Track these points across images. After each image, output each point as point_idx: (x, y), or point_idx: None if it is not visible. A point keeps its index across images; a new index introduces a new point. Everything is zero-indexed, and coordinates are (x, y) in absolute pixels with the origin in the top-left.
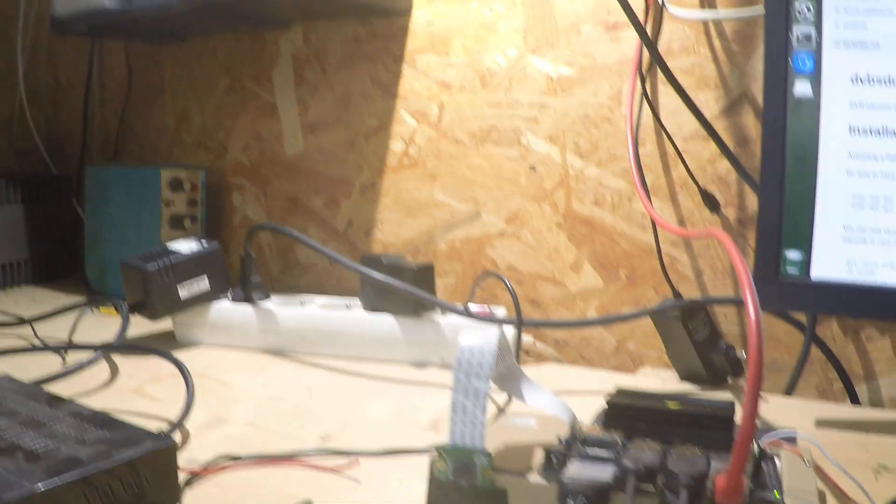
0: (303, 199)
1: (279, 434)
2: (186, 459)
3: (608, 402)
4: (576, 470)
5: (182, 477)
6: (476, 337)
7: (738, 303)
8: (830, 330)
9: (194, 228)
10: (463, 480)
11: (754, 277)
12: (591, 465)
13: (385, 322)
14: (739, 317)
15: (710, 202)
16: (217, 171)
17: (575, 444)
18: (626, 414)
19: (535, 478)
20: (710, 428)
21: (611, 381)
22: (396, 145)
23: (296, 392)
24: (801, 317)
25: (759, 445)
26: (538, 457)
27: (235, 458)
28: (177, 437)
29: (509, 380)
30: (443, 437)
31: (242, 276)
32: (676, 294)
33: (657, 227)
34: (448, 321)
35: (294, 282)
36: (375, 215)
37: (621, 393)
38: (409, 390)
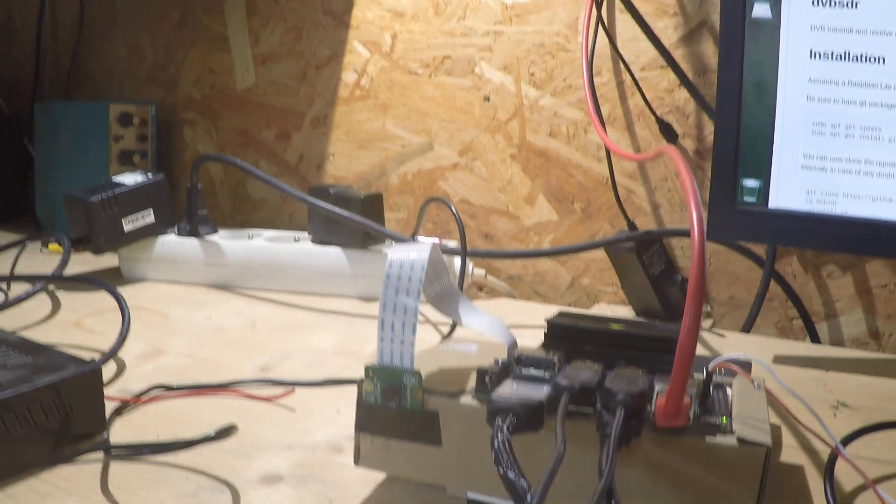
0: (254, 132)
1: (218, 365)
2: (119, 390)
3: (548, 322)
4: (507, 389)
5: (111, 406)
6: (406, 251)
7: (686, 233)
8: (791, 266)
9: (144, 164)
10: (392, 402)
11: (710, 207)
12: (524, 386)
13: (332, 254)
14: None
15: (668, 132)
16: (168, 106)
17: (511, 365)
18: (567, 335)
19: (466, 399)
20: (656, 350)
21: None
22: (348, 76)
23: (239, 324)
24: (761, 251)
25: (706, 370)
26: (472, 381)
27: (168, 388)
28: (110, 366)
29: (446, 300)
30: None
31: (188, 209)
32: (632, 226)
33: (612, 157)
34: None
35: (245, 218)
36: (327, 148)
37: (564, 315)
38: (354, 322)
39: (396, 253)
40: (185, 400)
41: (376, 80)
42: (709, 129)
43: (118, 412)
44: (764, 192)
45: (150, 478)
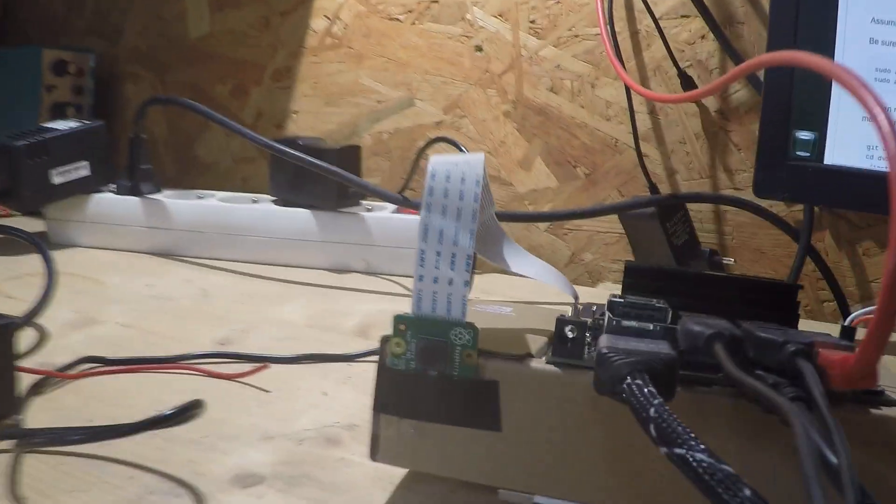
0: (206, 87)
1: (165, 337)
2: (40, 363)
3: (628, 267)
4: (606, 345)
5: (30, 380)
6: (453, 159)
7: (729, 201)
8: (822, 242)
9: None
10: (432, 368)
11: (758, 160)
12: (628, 342)
13: (299, 216)
14: (717, 223)
15: (689, 87)
16: (110, 59)
17: (595, 318)
18: (654, 283)
19: (540, 364)
20: (768, 305)
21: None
22: (318, 23)
23: (188, 294)
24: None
25: (844, 326)
26: (536, 343)
27: (103, 362)
28: (29, 335)
29: (489, 239)
30: (373, 346)
31: (130, 163)
32: (654, 189)
33: (634, 108)
34: (375, 217)
35: (192, 183)
36: (289, 104)
37: (636, 266)
38: (328, 294)
39: (442, 161)
40: (124, 377)
41: (350, 27)
42: (734, 86)
43: (37, 389)
44: (819, 147)
45: (79, 476)
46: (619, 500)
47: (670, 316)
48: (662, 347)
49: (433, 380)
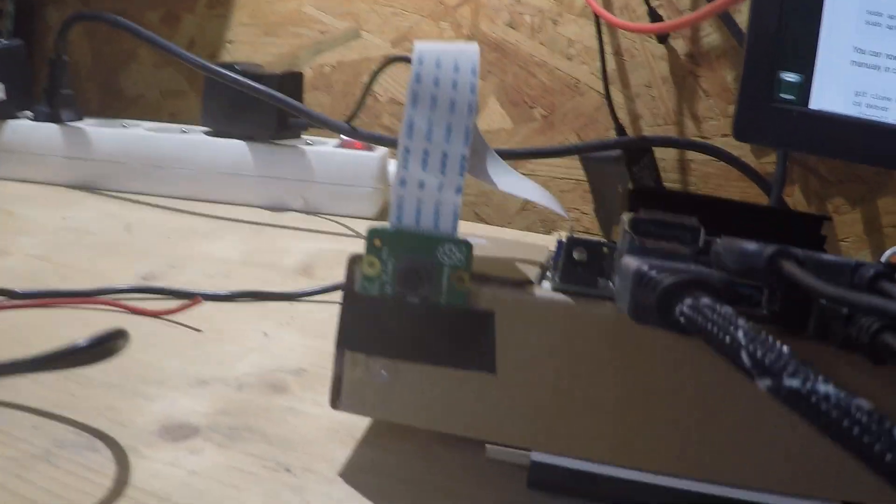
0: (135, 14)
1: (81, 271)
2: None
3: (637, 189)
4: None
5: None
6: (444, 47)
7: (702, 148)
8: (792, 197)
9: None
10: (413, 294)
11: (740, 102)
12: (653, 263)
13: (233, 148)
14: (682, 173)
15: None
16: None
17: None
18: (665, 208)
19: (546, 292)
20: (791, 236)
21: (525, 239)
22: None
23: (109, 228)
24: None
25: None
26: (531, 272)
27: (10, 294)
28: None
29: (472, 150)
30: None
31: (50, 88)
32: (621, 132)
33: (604, 46)
34: (316, 151)
35: (115, 117)
36: (224, 34)
37: (645, 189)
38: (263, 231)
39: (430, 46)
40: (33, 313)
41: None
42: (705, 29)
43: None
44: (805, 90)
45: None
46: (635, 459)
47: (702, 237)
48: (704, 270)
49: (414, 308)
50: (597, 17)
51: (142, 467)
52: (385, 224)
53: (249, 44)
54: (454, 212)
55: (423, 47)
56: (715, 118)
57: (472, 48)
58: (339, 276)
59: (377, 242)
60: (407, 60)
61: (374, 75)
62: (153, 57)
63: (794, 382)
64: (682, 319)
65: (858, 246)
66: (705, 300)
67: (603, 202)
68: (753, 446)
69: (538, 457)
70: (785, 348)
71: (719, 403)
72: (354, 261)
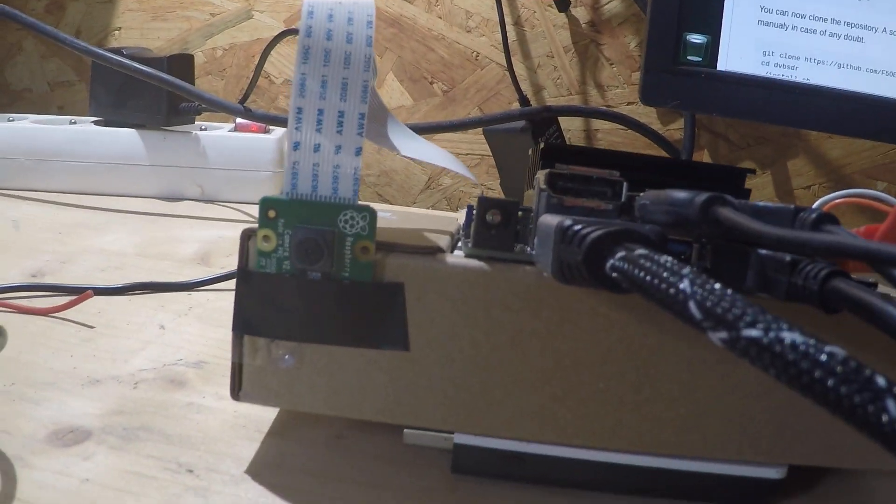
0: (17, 4)
1: None
2: None
3: (547, 146)
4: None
5: None
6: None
7: (607, 115)
8: (701, 161)
9: None
10: (314, 268)
11: (646, 65)
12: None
13: (124, 137)
14: (588, 141)
15: (560, 1)
16: None
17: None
18: (582, 161)
19: (458, 258)
20: (719, 189)
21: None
22: None
23: None
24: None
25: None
26: (441, 241)
27: None
28: None
29: (371, 114)
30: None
31: None
32: (525, 103)
33: (503, 14)
34: (210, 136)
35: (1, 112)
36: (112, 20)
37: (556, 147)
38: (158, 221)
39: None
40: None
41: None
42: None
43: None
44: (712, 51)
45: None
46: (567, 434)
47: (625, 191)
48: (623, 222)
49: (315, 284)
50: None
51: (28, 478)
52: (279, 193)
53: (138, 30)
54: (354, 176)
55: (314, 0)
56: (619, 86)
57: (368, 1)
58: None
59: (271, 213)
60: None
61: (265, 53)
62: (40, 48)
63: (753, 332)
64: (614, 274)
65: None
66: (640, 251)
67: (509, 175)
68: (693, 413)
69: (461, 439)
70: (738, 295)
71: (654, 369)
72: (248, 235)
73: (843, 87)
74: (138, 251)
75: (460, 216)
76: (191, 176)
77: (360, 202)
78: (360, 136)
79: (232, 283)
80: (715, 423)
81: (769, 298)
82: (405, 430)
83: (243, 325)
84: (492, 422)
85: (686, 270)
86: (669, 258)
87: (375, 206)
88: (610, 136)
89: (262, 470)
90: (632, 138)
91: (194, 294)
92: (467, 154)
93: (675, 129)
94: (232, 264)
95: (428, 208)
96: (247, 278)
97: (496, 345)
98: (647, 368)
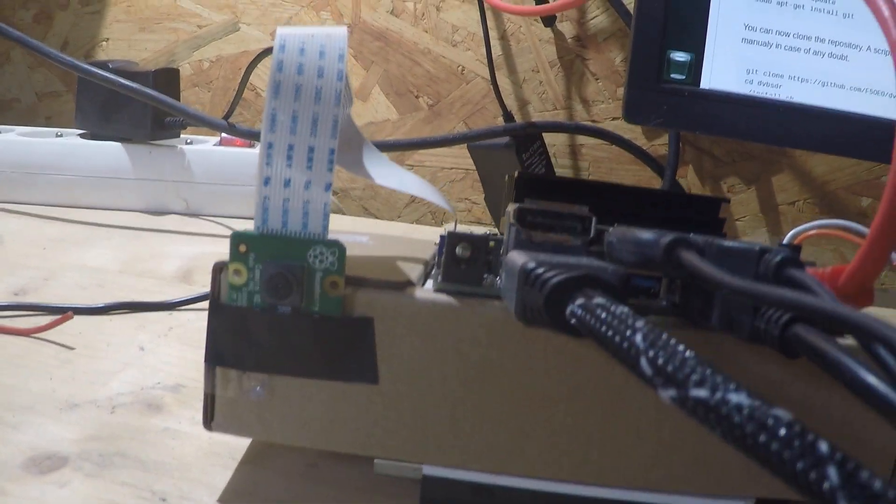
0: (5, 13)
1: None
2: None
3: (521, 175)
4: (521, 261)
5: None
6: (308, 31)
7: (591, 131)
8: (686, 179)
9: None
10: (284, 302)
11: (629, 83)
12: (554, 258)
13: (109, 150)
14: (573, 157)
15: (546, 17)
16: None
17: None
18: (550, 196)
19: (426, 293)
20: (689, 220)
21: (415, 233)
22: None
23: None
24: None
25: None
26: (413, 272)
27: None
28: None
29: (345, 142)
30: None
31: None
32: (509, 118)
33: (489, 32)
34: (196, 150)
35: None
36: (99, 31)
37: (529, 177)
38: (141, 237)
39: (293, 31)
40: None
41: None
42: (592, 11)
43: None
44: (696, 69)
45: None
46: (535, 467)
47: (594, 226)
48: (597, 263)
49: (285, 318)
50: (481, 2)
51: None
52: (250, 227)
53: (125, 41)
54: (324, 211)
55: (285, 32)
56: (604, 101)
57: (340, 32)
58: None
59: (242, 248)
60: None
61: (250, 69)
62: (27, 58)
63: (701, 392)
64: (572, 321)
65: (755, 225)
66: (598, 299)
67: (493, 191)
68: (660, 448)
69: (430, 470)
70: (689, 353)
71: (621, 405)
72: (220, 269)
73: (827, 106)
74: (121, 268)
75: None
76: (176, 190)
77: (343, 216)
78: (329, 171)
79: None
80: (682, 458)
81: (734, 338)
82: (375, 461)
83: (215, 356)
84: (460, 454)
85: (640, 324)
86: (626, 309)
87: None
88: (595, 151)
89: (234, 498)
90: (616, 154)
91: (175, 313)
92: (452, 168)
93: (659, 145)
94: None
95: (413, 222)
96: (218, 311)
97: (464, 379)
98: (614, 404)
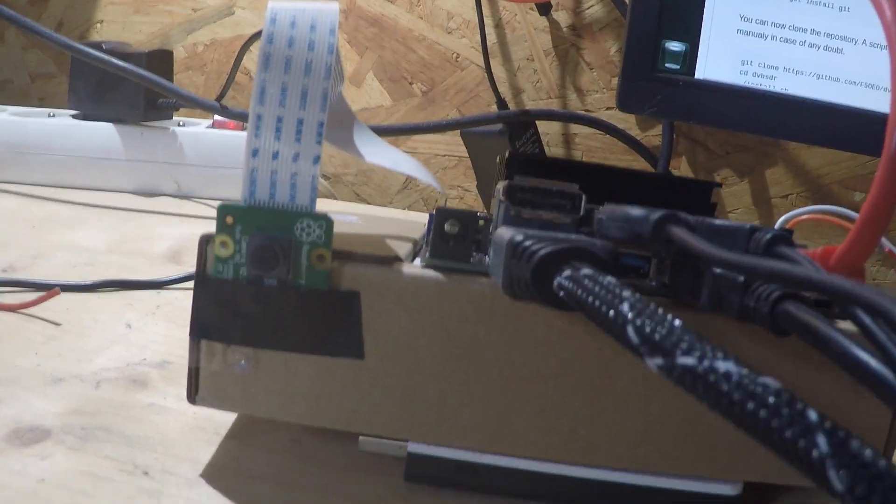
0: None
1: None
2: None
3: (511, 155)
4: (509, 236)
5: None
6: (299, 5)
7: (585, 120)
8: (678, 171)
9: None
10: (270, 275)
11: (623, 72)
12: (542, 234)
13: (101, 131)
14: (566, 146)
15: (541, 5)
16: None
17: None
18: (541, 171)
19: (414, 269)
20: (679, 203)
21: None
22: None
23: None
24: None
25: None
26: (402, 249)
27: None
28: None
29: (335, 120)
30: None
31: None
32: (503, 106)
33: (483, 16)
34: (188, 132)
35: None
36: (94, 13)
37: (519, 156)
38: (133, 218)
39: (284, 5)
40: None
41: None
42: (587, 1)
43: None
44: (690, 59)
45: None
46: (520, 445)
47: (583, 204)
48: (585, 238)
49: (271, 291)
50: None
51: None
52: (237, 199)
53: (120, 23)
54: (312, 184)
55: (276, 6)
56: (598, 91)
57: (332, 7)
58: None
59: (229, 220)
60: None
61: (242, 51)
62: (21, 39)
63: (688, 360)
64: (560, 293)
65: (748, 217)
66: (585, 270)
67: (486, 178)
68: (648, 427)
69: (415, 447)
70: (677, 321)
71: (609, 382)
72: (206, 240)
73: (821, 98)
74: (110, 248)
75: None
76: (167, 172)
77: (335, 201)
78: (318, 144)
79: None
80: (670, 438)
81: (723, 317)
82: (360, 438)
83: (200, 329)
84: (446, 431)
85: (627, 293)
86: (613, 280)
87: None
88: (588, 140)
89: (217, 473)
90: (610, 143)
91: (163, 292)
92: (445, 155)
93: (653, 136)
94: None
95: (405, 209)
96: (204, 283)
97: (451, 355)
98: (602, 381)
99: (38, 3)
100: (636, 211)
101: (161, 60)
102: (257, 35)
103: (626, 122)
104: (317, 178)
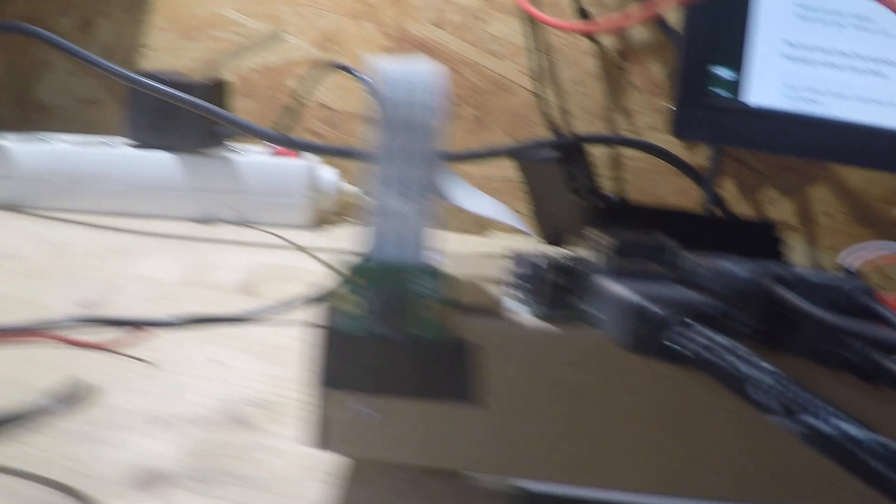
0: (47, 20)
1: (12, 301)
2: None
3: (600, 204)
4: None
5: None
6: (410, 69)
7: (638, 144)
8: (723, 189)
9: None
10: (396, 329)
11: (677, 100)
12: (642, 286)
13: (160, 160)
14: (616, 169)
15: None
16: None
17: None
18: (612, 219)
19: (532, 321)
20: (745, 245)
21: (457, 241)
22: None
23: (35, 249)
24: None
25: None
26: (500, 293)
27: None
28: None
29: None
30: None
31: None
32: (555, 129)
33: (529, 46)
34: (247, 161)
35: (30, 130)
36: (141, 39)
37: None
38: (196, 247)
39: (395, 68)
40: None
41: None
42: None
43: None
44: (738, 85)
45: None
46: (622, 481)
47: (680, 257)
48: (684, 293)
49: (397, 344)
50: (525, 14)
51: None
52: (360, 259)
53: (167, 49)
54: (426, 240)
55: (389, 68)
56: (645, 113)
57: (440, 69)
58: (282, 293)
59: (357, 276)
60: (344, 69)
61: (308, 83)
62: (68, 65)
63: (811, 419)
64: (689, 354)
65: (792, 235)
66: (706, 333)
67: (541, 204)
68: (743, 460)
69: (524, 483)
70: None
71: (706, 420)
72: (332, 297)
73: (866, 121)
74: (182, 279)
75: (488, 243)
76: (226, 200)
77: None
78: (431, 201)
79: (281, 316)
80: (766, 471)
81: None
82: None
83: (328, 380)
84: (554, 469)
85: (745, 353)
86: (732, 342)
87: None
88: (636, 162)
89: None
90: (657, 165)
91: (245, 326)
92: (499, 179)
93: (700, 156)
94: (275, 294)
95: (457, 231)
96: (332, 337)
97: (560, 400)
98: (700, 421)
99: (85, 29)
100: (736, 269)
101: (219, 91)
102: (323, 67)
103: (671, 142)
104: (430, 235)
